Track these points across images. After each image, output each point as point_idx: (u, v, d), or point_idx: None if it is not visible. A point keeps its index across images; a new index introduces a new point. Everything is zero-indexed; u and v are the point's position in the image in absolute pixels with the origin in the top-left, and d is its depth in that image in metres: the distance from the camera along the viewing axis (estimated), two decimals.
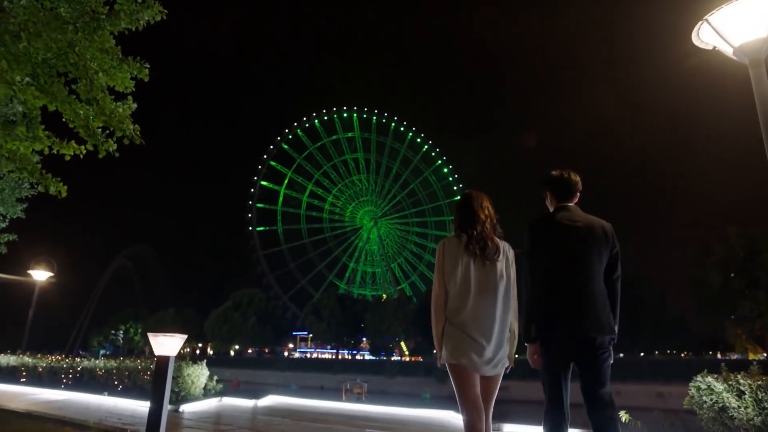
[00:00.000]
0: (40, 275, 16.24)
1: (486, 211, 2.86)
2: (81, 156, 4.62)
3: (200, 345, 77.25)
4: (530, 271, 2.87)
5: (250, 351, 70.96)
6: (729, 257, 33.91)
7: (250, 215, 71.96)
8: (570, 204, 3.04)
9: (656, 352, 47.42)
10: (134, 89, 5.40)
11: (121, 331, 71.66)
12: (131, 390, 9.09)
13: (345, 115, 79.50)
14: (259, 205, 72.70)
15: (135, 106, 5.29)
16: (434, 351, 2.87)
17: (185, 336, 3.61)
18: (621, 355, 48.37)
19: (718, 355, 59.03)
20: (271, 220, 74.10)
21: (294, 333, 76.12)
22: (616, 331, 2.82)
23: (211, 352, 74.63)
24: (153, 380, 3.80)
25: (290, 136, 75.93)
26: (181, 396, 8.42)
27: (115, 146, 4.56)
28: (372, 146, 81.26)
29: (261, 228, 72.59)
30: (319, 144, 77.78)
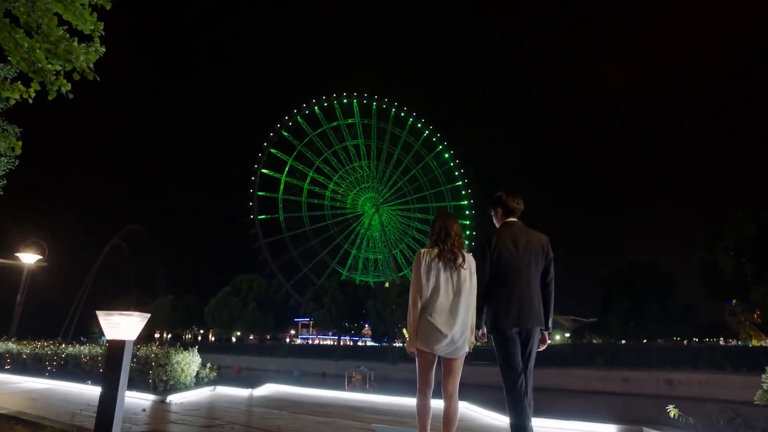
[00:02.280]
0: (29, 258, 15.52)
1: (455, 230, 3.47)
2: (30, 100, 3.81)
3: (201, 331, 77.12)
4: (481, 276, 3.52)
5: (251, 337, 70.79)
6: (740, 241, 32.86)
7: (251, 203, 71.25)
8: (514, 220, 3.78)
9: (659, 340, 46.86)
10: (103, 32, 4.61)
11: None
12: None
13: (345, 101, 78.27)
14: (260, 193, 71.99)
15: (103, 50, 4.49)
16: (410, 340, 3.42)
17: (147, 315, 2.89)
18: (623, 341, 47.80)
19: (720, 342, 58.61)
20: (273, 209, 73.48)
21: (296, 319, 75.88)
22: (550, 324, 3.69)
23: (213, 339, 74.60)
24: (104, 373, 3.06)
25: (290, 123, 74.86)
26: (169, 385, 7.75)
27: (68, 86, 3.76)
28: (372, 132, 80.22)
29: (262, 216, 71.97)
30: (319, 131, 76.71)
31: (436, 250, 3.39)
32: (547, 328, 3.67)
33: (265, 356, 57.85)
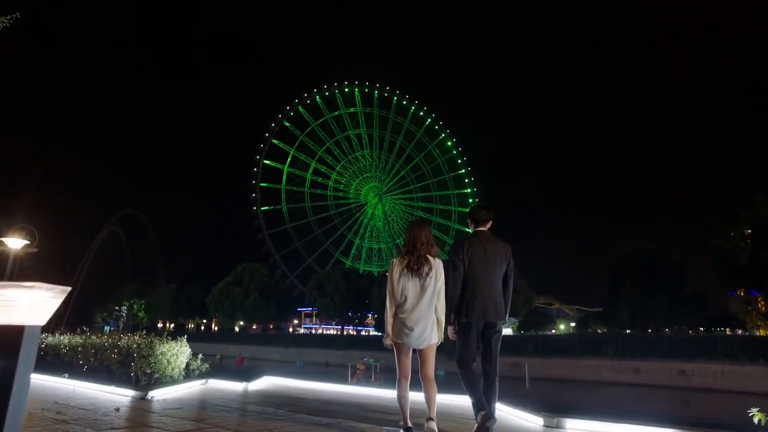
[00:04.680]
0: (16, 243, 14.72)
1: (423, 239, 4.07)
2: None
3: (204, 321, 76.81)
4: (453, 277, 4.13)
5: (254, 327, 70.34)
6: (758, 227, 31.57)
7: (253, 195, 70.50)
8: (483, 229, 4.39)
9: (665, 329, 45.93)
10: None
11: (125, 307, 70.86)
12: (97, 371, 7.61)
13: (346, 90, 77.09)
14: (262, 184, 71.21)
15: None
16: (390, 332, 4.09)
17: (67, 289, 2.05)
18: (628, 331, 46.87)
19: (727, 332, 57.68)
20: (276, 199, 72.76)
21: (299, 309, 75.43)
22: (507, 318, 4.35)
23: (216, 328, 74.31)
24: None
25: (291, 113, 73.78)
26: (154, 379, 6.95)
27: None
28: (374, 121, 79.17)
29: (265, 207, 71.25)
30: (321, 120, 75.66)
31: (405, 260, 4.01)
32: (504, 321, 4.33)
33: (267, 346, 57.46)
